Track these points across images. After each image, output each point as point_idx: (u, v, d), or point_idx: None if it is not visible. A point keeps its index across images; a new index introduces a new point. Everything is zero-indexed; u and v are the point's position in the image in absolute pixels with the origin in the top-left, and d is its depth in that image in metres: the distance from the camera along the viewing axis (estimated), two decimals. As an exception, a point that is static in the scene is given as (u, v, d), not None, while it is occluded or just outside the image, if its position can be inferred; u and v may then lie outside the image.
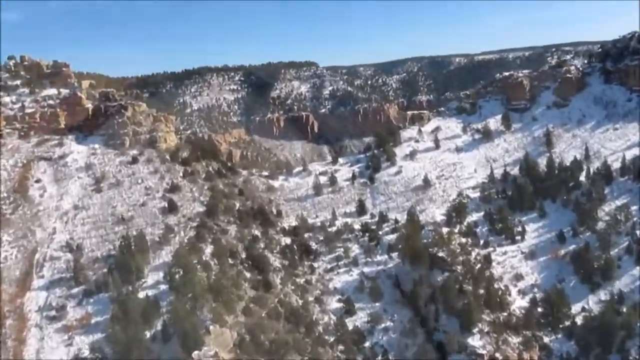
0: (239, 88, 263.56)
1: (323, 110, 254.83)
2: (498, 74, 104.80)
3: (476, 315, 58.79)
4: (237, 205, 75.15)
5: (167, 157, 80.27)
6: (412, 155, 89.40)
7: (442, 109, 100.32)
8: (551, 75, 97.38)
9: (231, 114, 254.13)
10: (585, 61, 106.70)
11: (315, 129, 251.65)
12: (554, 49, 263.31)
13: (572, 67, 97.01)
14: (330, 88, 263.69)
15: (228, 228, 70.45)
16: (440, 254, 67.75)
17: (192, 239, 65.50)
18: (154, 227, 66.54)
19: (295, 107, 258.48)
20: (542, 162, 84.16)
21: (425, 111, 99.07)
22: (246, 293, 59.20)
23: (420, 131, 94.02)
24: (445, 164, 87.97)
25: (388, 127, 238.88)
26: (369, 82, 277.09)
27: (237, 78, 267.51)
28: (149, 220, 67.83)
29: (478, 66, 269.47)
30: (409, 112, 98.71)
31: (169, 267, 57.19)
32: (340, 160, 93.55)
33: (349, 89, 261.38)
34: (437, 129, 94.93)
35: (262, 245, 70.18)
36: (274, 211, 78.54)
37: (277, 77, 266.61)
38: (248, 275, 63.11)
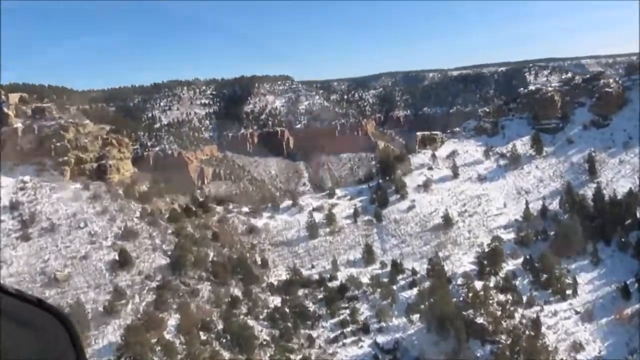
0: (211, 102, 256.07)
1: (299, 126, 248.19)
2: (522, 88, 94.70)
3: (539, 411, 46.25)
4: (211, 254, 62.08)
5: (120, 191, 66.87)
6: (426, 186, 77.63)
7: (457, 129, 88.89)
8: (586, 90, 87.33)
9: (202, 129, 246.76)
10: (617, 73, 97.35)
11: (291, 145, 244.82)
12: (530, 65, 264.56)
13: (611, 80, 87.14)
14: (306, 103, 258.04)
15: (199, 287, 57.28)
16: (479, 320, 55.60)
17: (151, 306, 52.05)
18: (99, 290, 52.74)
19: (270, 123, 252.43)
20: (587, 194, 73.14)
21: (437, 132, 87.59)
22: (225, 385, 45.65)
23: (434, 156, 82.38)
24: (468, 196, 76.38)
25: (366, 144, 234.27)
26: (345, 97, 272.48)
27: (208, 92, 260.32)
28: (91, 280, 54.02)
29: (455, 81, 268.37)
30: (419, 134, 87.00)
31: (116, 355, 43.26)
32: (338, 192, 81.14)
33: (325, 103, 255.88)
34: (454, 153, 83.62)
35: (244, 309, 57.13)
36: (259, 261, 65.47)
37: (251, 92, 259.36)
38: (227, 356, 49.74)
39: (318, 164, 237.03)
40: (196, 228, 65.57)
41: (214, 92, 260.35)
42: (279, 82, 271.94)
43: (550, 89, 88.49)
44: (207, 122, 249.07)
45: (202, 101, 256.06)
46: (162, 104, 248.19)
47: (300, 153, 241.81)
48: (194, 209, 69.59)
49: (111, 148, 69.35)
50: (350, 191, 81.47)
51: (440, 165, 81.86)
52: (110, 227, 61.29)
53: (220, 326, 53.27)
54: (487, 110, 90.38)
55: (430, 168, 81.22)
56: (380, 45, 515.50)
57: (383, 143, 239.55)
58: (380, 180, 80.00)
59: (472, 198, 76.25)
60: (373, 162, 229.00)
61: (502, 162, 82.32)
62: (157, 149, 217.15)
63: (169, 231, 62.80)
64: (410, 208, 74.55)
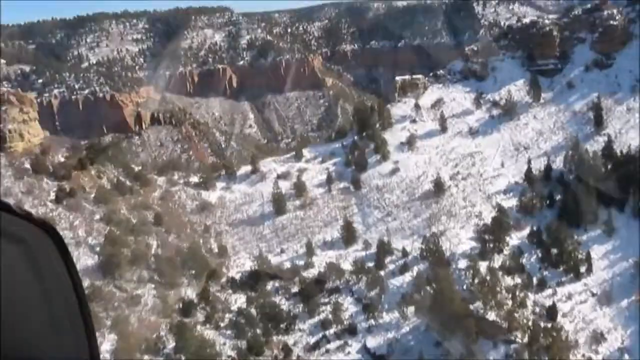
0: (144, 38, 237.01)
1: (241, 63, 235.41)
2: (515, 22, 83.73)
3: None
4: (154, 245, 50.24)
5: (27, 165, 52.82)
6: (410, 144, 67.69)
7: (441, 72, 77.97)
8: (586, 23, 77.73)
9: (136, 68, 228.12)
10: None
11: (234, 84, 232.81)
12: None
13: (614, 12, 77.65)
14: (248, 37, 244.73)
15: (140, 292, 46.14)
16: (490, 316, 47.58)
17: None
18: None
19: (210, 60, 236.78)
20: (594, 149, 65.42)
21: (419, 76, 76.37)
22: None
23: (417, 106, 71.72)
24: (459, 155, 67.14)
25: (313, 81, 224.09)
26: (289, 31, 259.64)
27: (140, 26, 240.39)
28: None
29: (401, 13, 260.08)
30: (398, 79, 75.59)
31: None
32: (306, 153, 69.76)
33: (269, 38, 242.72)
34: (440, 102, 73.28)
35: (200, 317, 46.63)
36: (215, 248, 54.47)
37: (187, 25, 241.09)
38: (182, 387, 39.54)
39: (263, 103, 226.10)
40: (132, 210, 53.25)
41: (147, 26, 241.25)
42: (218, 15, 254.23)
43: (547, 22, 78.24)
44: (141, 60, 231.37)
45: (134, 36, 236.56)
46: (88, 40, 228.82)
47: (244, 92, 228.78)
48: (128, 183, 56.64)
49: (10, 107, 54.17)
50: (321, 151, 70.20)
51: (424, 117, 71.53)
52: (15, 216, 47.96)
53: (170, 344, 42.84)
54: (475, 49, 79.57)
55: (413, 121, 70.88)
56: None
57: (331, 80, 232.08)
58: (356, 137, 69.13)
59: (464, 157, 67.02)
60: (321, 101, 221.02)
61: (495, 111, 72.91)
62: (86, 92, 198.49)
63: (97, 217, 50.28)
64: (394, 171, 64.66)
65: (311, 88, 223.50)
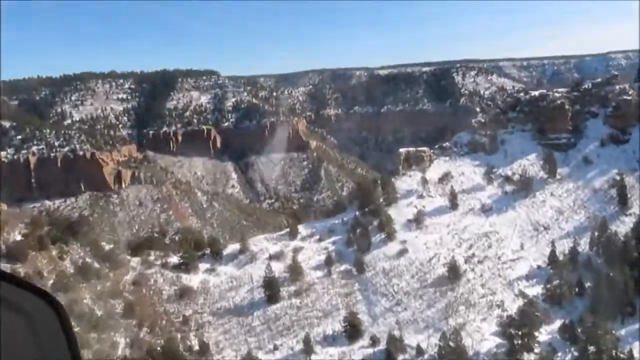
0: (129, 97, 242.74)
1: (226, 124, 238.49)
2: (522, 94, 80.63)
3: None
4: (122, 344, 42.12)
5: (-23, 243, 45.22)
6: (418, 221, 61.73)
7: (447, 144, 73.50)
8: (598, 97, 74.78)
9: (120, 126, 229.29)
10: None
11: (218, 145, 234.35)
12: (458, 65, 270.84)
13: (627, 86, 75.06)
14: (234, 100, 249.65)
15: (101, 406, 37.35)
16: None
17: None
18: None
19: (195, 120, 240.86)
20: (621, 231, 60.15)
21: (424, 148, 71.59)
22: None
23: (424, 180, 66.36)
24: (473, 235, 61.17)
25: (297, 143, 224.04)
26: (274, 94, 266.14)
27: (126, 86, 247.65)
28: None
29: (383, 80, 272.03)
30: (402, 150, 70.65)
31: None
32: (302, 230, 63.04)
33: (254, 101, 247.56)
34: (447, 176, 68.20)
35: None
36: (195, 344, 46.31)
37: (174, 86, 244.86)
38: None
39: (247, 164, 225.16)
40: (98, 299, 45.45)
41: (133, 86, 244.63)
42: (204, 77, 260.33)
43: (557, 95, 75.13)
44: (125, 118, 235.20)
45: (120, 96, 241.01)
46: (73, 97, 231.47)
47: (228, 153, 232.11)
48: (95, 265, 49.05)
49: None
50: (318, 228, 63.67)
51: (432, 192, 66.01)
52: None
53: None
54: (482, 120, 75.69)
55: (420, 196, 65.27)
56: (305, 42, 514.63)
57: (315, 142, 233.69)
58: (357, 213, 62.99)
59: (479, 237, 61.02)
60: (305, 163, 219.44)
61: (508, 187, 67.86)
62: (66, 149, 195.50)
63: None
64: (402, 253, 58.19)
65: (295, 150, 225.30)
